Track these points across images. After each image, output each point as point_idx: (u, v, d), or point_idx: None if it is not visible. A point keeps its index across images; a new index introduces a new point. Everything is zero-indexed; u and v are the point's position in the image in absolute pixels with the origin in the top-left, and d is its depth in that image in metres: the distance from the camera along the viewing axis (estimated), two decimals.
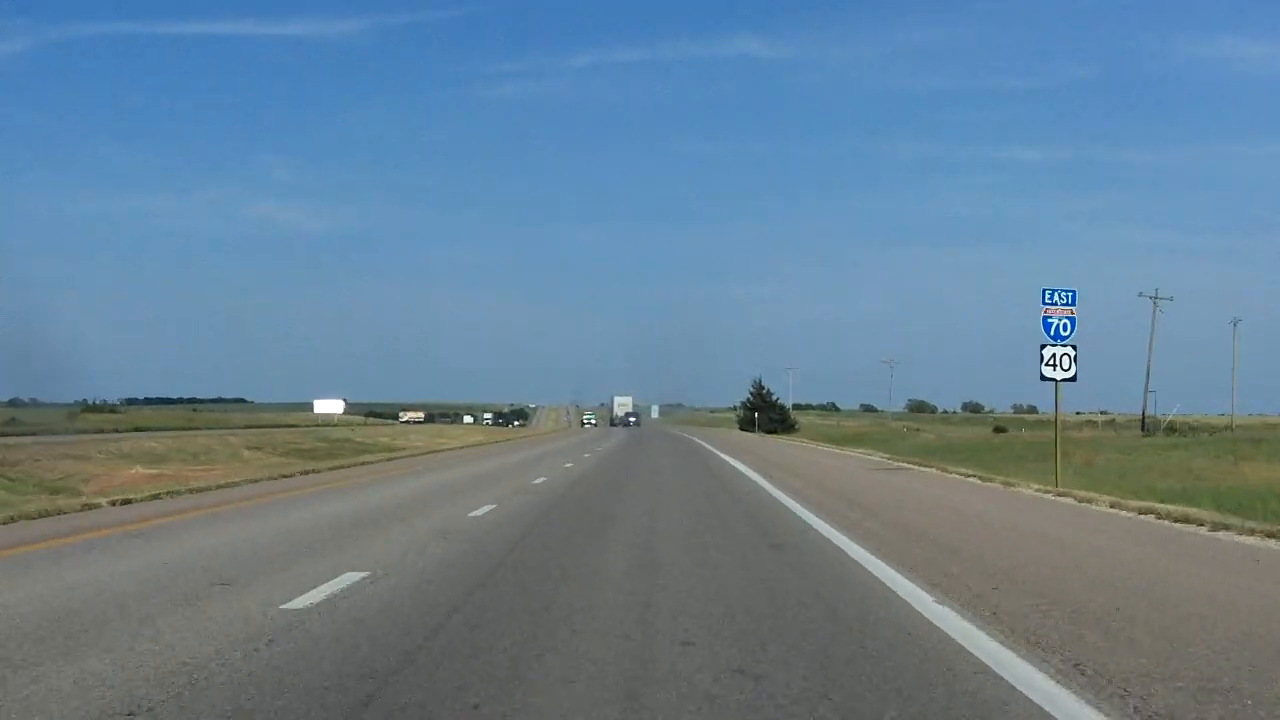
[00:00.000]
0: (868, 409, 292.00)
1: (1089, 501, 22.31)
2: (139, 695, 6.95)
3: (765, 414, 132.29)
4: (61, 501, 22.11)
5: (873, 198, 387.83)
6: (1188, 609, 9.86)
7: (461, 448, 69.74)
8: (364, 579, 11.62)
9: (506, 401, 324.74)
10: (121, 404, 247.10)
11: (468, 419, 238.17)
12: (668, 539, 15.29)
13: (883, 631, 8.89)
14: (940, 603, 10.17)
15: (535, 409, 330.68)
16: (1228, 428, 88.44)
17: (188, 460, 45.49)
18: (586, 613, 9.60)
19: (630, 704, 6.66)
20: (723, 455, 43.05)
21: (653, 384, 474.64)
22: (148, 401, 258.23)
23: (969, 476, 30.14)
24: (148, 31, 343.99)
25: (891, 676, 7.37)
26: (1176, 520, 17.83)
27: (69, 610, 9.76)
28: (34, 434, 61.28)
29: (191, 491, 25.61)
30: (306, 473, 36.62)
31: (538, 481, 28.46)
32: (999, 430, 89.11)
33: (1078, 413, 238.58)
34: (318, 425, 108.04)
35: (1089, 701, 6.79)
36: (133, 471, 38.10)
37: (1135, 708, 6.65)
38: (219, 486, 27.45)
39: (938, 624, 9.18)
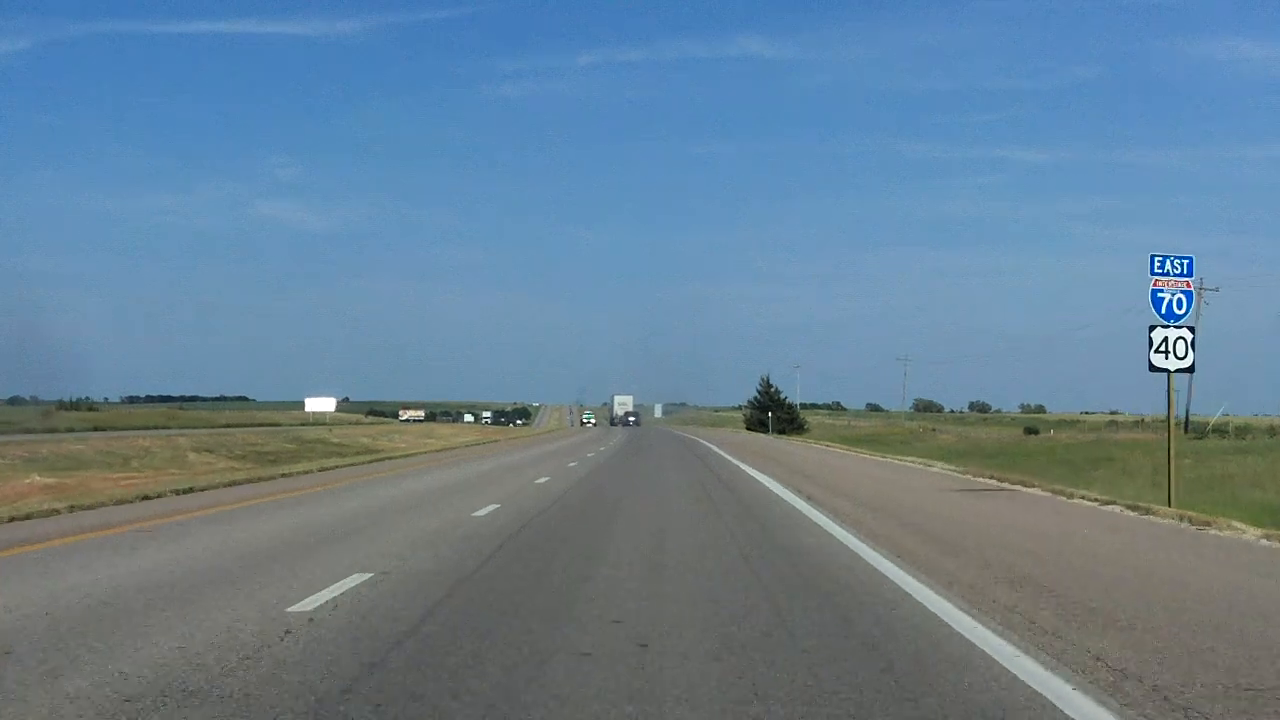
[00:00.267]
0: (874, 408, 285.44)
1: (1272, 538, 15.23)
2: None
3: (773, 413, 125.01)
4: None
5: (875, 198, 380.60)
6: None
7: (446, 449, 62.79)
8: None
9: (511, 401, 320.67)
10: (123, 401, 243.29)
11: (468, 418, 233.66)
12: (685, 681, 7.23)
13: None
14: None
15: (539, 408, 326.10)
16: (1271, 430, 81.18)
17: (114, 466, 38.52)
18: None
19: None
20: (739, 464, 34.92)
21: (656, 383, 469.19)
22: (149, 399, 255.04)
23: (1088, 501, 21.51)
24: (151, 30, 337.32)
25: None
26: None
27: None
28: None
29: (73, 509, 19.70)
30: (254, 480, 30.18)
31: (480, 514, 19.42)
32: (1030, 431, 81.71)
33: (1086, 413, 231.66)
34: (296, 425, 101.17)
35: None
36: (27, 481, 31.13)
37: None
38: (117, 502, 21.52)
39: None
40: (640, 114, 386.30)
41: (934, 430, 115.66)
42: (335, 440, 64.88)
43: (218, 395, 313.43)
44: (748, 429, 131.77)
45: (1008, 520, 17.78)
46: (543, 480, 27.67)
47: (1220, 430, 75.04)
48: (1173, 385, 22.11)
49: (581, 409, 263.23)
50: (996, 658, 7.75)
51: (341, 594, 10.36)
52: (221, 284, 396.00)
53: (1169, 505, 19.99)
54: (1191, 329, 22.54)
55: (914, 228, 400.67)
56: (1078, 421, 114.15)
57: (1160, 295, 21.69)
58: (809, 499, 20.94)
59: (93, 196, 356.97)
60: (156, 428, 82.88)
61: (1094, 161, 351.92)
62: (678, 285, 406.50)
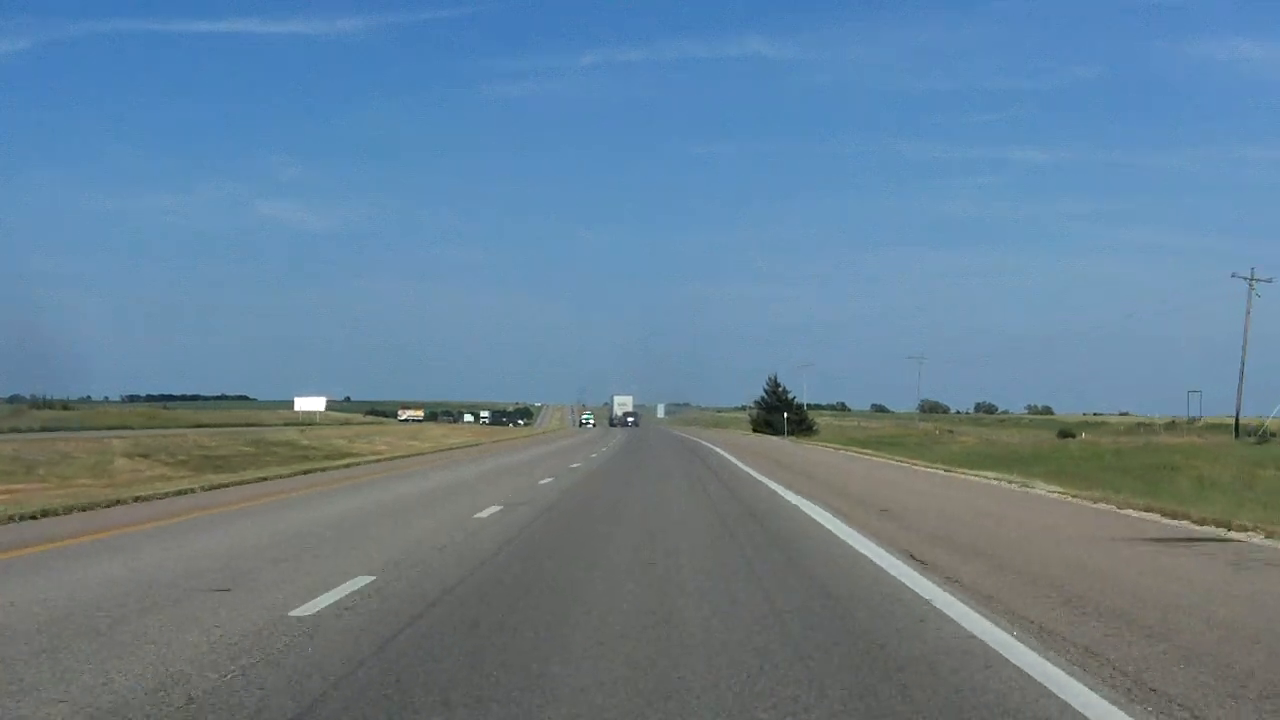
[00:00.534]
0: (879, 409, 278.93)
1: None
2: None
3: (782, 413, 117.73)
4: None
5: (875, 198, 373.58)
6: None
7: (430, 452, 55.82)
8: None
9: (513, 400, 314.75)
10: (123, 400, 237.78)
11: (468, 418, 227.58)
12: None
13: None
14: None
15: (540, 408, 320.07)
16: None
17: (15, 476, 31.49)
18: None
19: None
20: (764, 479, 26.38)
21: (658, 383, 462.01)
22: (149, 398, 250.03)
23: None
24: (152, 29, 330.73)
25: None
26: None
27: None
28: None
29: None
30: (167, 495, 23.87)
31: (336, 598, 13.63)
32: (1065, 435, 74.29)
33: (1096, 414, 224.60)
34: (278, 425, 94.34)
35: None
36: None
37: None
38: None
39: None
40: (640, 114, 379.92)
41: (950, 432, 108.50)
42: (305, 443, 57.82)
43: (219, 394, 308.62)
44: (754, 430, 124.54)
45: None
46: (489, 512, 19.05)
47: (1268, 433, 67.89)
48: None
49: (583, 408, 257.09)
50: None
51: None
52: (222, 283, 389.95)
53: None
54: None
55: (915, 228, 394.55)
56: (1101, 423, 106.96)
57: None
58: (879, 540, 13.79)
59: (93, 196, 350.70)
60: (124, 428, 75.99)
61: (1094, 161, 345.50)
62: (678, 285, 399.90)
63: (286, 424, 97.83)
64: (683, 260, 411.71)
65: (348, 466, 40.20)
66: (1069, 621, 8.83)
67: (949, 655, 7.60)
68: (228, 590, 10.47)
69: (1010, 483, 24.57)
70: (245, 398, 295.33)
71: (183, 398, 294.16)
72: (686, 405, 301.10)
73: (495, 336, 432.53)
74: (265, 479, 31.10)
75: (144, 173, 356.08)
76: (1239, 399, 72.54)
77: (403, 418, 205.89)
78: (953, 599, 9.87)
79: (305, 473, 35.09)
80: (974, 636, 8.27)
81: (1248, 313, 73.49)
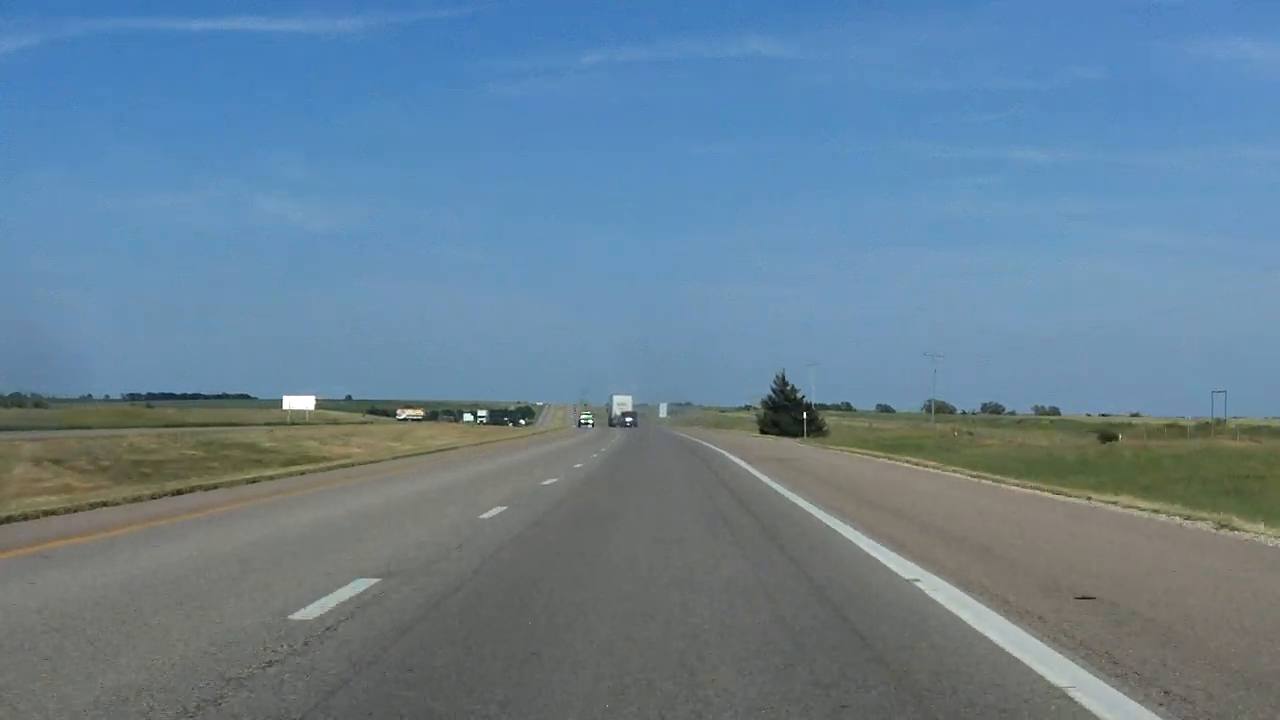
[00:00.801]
0: (884, 409, 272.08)
1: None
2: None
3: (791, 413, 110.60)
4: None
5: (876, 198, 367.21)
6: None
7: (407, 456, 48.99)
8: None
9: (515, 400, 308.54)
10: (124, 398, 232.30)
11: (468, 417, 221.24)
12: None
13: None
14: None
15: (542, 407, 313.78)
16: None
17: None
18: None
19: None
20: (838, 525, 16.23)
21: (660, 383, 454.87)
22: (150, 397, 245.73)
23: None
24: (155, 28, 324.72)
25: None
26: None
27: None
28: None
29: None
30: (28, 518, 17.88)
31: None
32: (1107, 438, 66.92)
33: (1104, 414, 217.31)
34: (260, 425, 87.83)
35: None
36: None
37: None
38: None
39: None
40: (641, 114, 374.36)
41: (969, 433, 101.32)
42: (268, 445, 50.93)
43: (220, 393, 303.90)
44: (761, 431, 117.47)
45: None
46: (449, 538, 13.35)
47: None
48: None
49: (585, 407, 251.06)
50: None
51: None
52: (223, 282, 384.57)
53: None
54: None
55: (915, 228, 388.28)
56: (1127, 425, 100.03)
57: None
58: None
59: (95, 195, 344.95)
60: (83, 427, 69.53)
61: (1094, 161, 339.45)
62: (679, 284, 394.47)
63: (267, 424, 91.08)
64: (683, 260, 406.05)
65: (301, 474, 33.42)
66: None
67: None
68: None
69: (1145, 511, 17.47)
70: (246, 396, 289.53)
71: (184, 396, 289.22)
72: (689, 405, 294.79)
73: (497, 336, 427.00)
74: (182, 491, 24.42)
75: (145, 172, 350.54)
76: None
77: (401, 417, 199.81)
78: None
79: (251, 481, 28.44)
80: None
81: None
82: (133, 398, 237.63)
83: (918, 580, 10.71)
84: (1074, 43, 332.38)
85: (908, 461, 40.59)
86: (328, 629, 8.22)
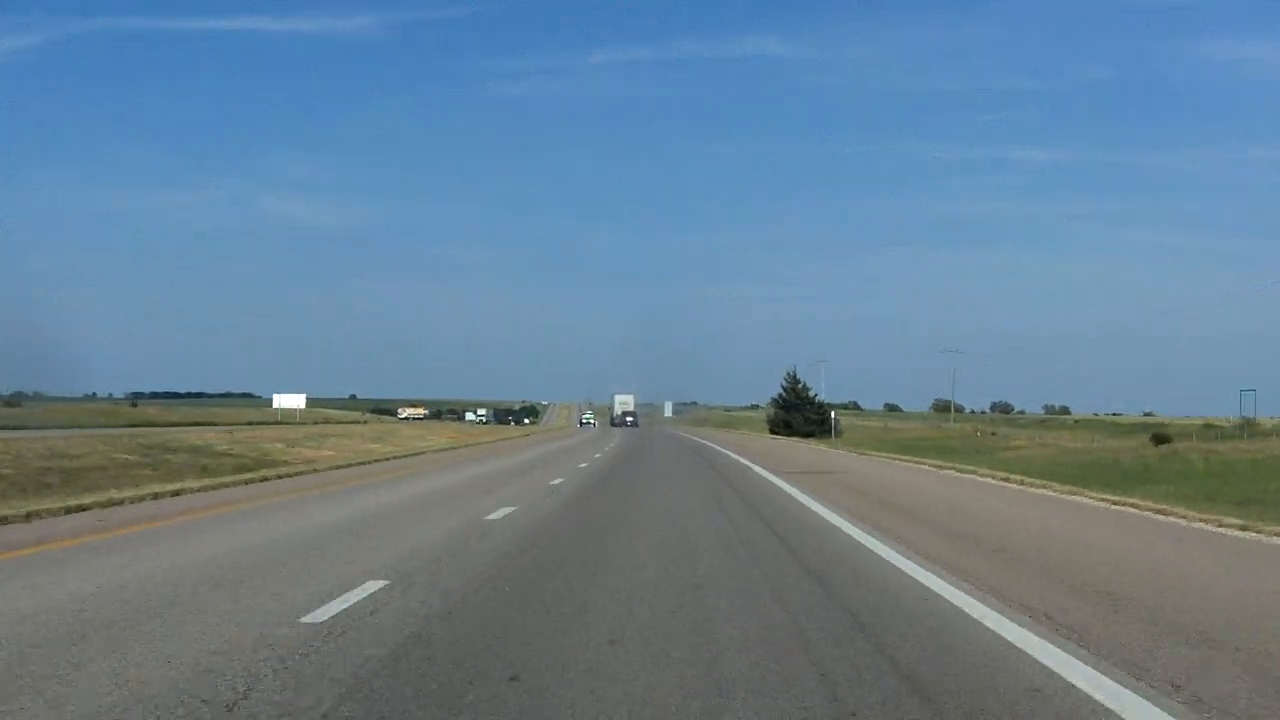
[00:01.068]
0: (891, 408, 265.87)
1: None
2: None
3: (802, 412, 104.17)
4: None
5: (878, 198, 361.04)
6: None
7: (380, 460, 42.80)
8: None
9: (520, 399, 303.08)
10: (126, 397, 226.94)
11: (470, 416, 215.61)
12: None
13: None
14: None
15: (547, 406, 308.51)
16: None
17: None
18: None
19: None
20: (933, 580, 10.35)
21: (665, 382, 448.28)
22: (153, 395, 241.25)
23: None
24: (160, 27, 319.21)
25: None
26: None
27: None
28: None
29: None
30: None
31: None
32: (1161, 441, 60.18)
33: (1114, 414, 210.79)
34: (243, 425, 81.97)
35: None
36: None
37: None
38: None
39: None
40: (642, 113, 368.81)
41: (993, 434, 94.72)
42: (223, 448, 44.71)
43: (223, 392, 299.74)
44: (771, 431, 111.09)
45: None
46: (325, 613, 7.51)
47: None
48: None
49: (589, 405, 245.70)
50: None
51: None
52: (227, 282, 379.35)
53: None
54: None
55: (916, 228, 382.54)
56: (1160, 426, 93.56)
57: None
58: None
59: (99, 193, 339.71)
60: (41, 428, 63.62)
61: (1095, 161, 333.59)
62: (684, 284, 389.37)
63: (250, 424, 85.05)
64: (685, 259, 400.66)
65: (245, 484, 27.29)
66: None
67: None
68: None
69: None
70: (250, 395, 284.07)
71: (188, 395, 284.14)
72: (694, 404, 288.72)
73: (501, 335, 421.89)
74: (85, 507, 18.37)
75: (146, 171, 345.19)
76: None
77: (403, 416, 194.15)
78: None
79: (176, 494, 22.43)
80: None
81: None
82: (136, 396, 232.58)
83: None
84: (1075, 43, 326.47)
85: (951, 469, 34.16)
86: None
